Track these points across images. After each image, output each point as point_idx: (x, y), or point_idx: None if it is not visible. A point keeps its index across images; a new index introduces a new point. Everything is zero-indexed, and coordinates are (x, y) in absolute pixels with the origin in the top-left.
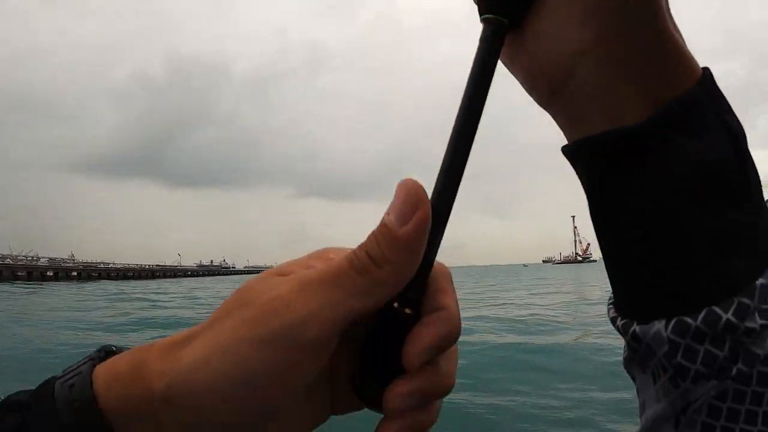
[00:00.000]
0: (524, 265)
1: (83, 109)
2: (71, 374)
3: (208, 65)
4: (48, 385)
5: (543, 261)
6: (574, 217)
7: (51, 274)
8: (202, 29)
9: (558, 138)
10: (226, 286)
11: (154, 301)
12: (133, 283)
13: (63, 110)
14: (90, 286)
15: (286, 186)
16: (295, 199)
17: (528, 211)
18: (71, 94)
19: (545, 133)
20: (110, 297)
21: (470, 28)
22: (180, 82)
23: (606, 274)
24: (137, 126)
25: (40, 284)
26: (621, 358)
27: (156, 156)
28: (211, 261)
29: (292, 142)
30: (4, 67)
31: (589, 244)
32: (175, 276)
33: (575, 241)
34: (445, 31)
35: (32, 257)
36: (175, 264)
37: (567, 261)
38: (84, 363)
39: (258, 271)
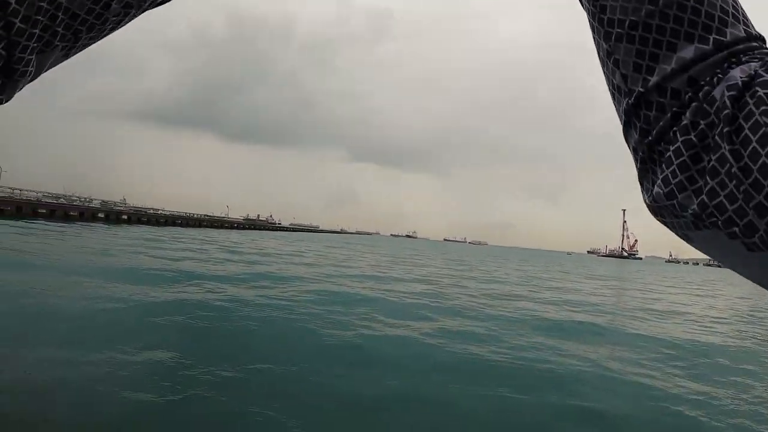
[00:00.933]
0: (568, 254)
1: (141, 61)
2: None
3: (269, 25)
4: None
5: (588, 252)
6: (624, 210)
7: (102, 216)
8: None
9: (615, 129)
10: (277, 241)
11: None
12: (183, 230)
13: (119, 61)
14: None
15: (338, 149)
16: (346, 163)
17: (577, 200)
18: (128, 47)
19: (602, 123)
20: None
21: (531, 13)
22: (240, 39)
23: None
24: (195, 80)
25: (90, 224)
26: None
27: (212, 110)
28: (258, 215)
29: (347, 106)
30: None
31: (636, 240)
32: (222, 227)
33: (623, 235)
34: (505, 12)
35: (85, 198)
36: (223, 215)
37: (612, 255)
38: None
39: (302, 230)
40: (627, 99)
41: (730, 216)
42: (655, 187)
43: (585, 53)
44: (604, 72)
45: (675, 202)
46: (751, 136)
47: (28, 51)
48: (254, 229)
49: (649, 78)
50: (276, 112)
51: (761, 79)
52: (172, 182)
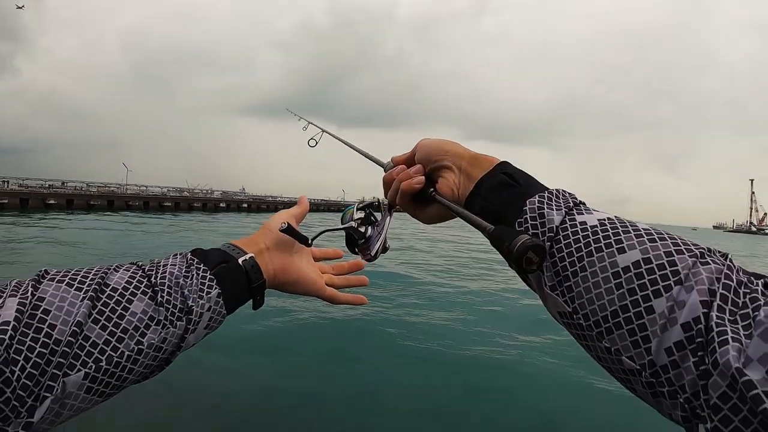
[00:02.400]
0: (693, 229)
1: (249, 59)
2: (237, 253)
3: (371, 10)
4: (219, 252)
5: (713, 227)
6: (752, 180)
7: (224, 205)
8: None
9: (737, 91)
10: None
11: None
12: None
13: (229, 61)
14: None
15: (451, 128)
16: (461, 142)
17: (701, 170)
18: (236, 46)
19: (722, 86)
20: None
21: None
22: (344, 28)
23: None
24: (303, 72)
25: (214, 215)
26: None
27: (322, 98)
28: (374, 197)
29: (457, 84)
30: (167, 23)
31: (766, 213)
32: (339, 210)
33: (751, 208)
34: None
35: (207, 190)
36: (339, 199)
37: (739, 230)
38: (229, 250)
39: None
40: (644, 373)
41: None
42: None
43: (697, 13)
44: (606, 367)
45: None
46: None
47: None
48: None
49: (650, 344)
50: (386, 95)
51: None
52: (288, 170)
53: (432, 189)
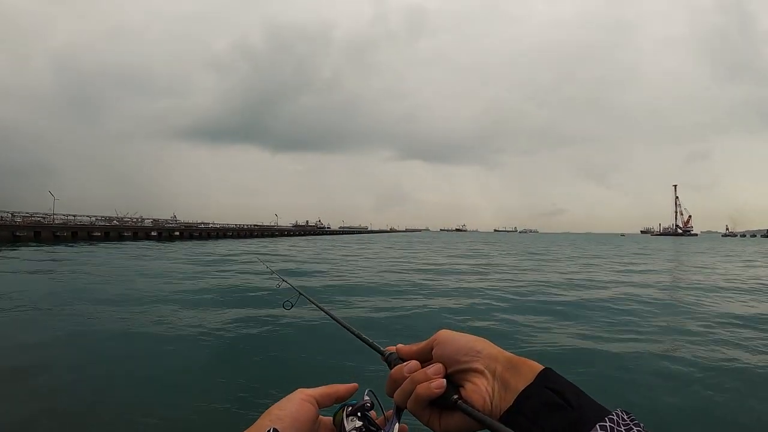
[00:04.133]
0: (621, 235)
1: (184, 81)
2: None
3: (307, 33)
4: None
5: (641, 231)
6: (675, 186)
7: (155, 234)
8: None
9: (664, 106)
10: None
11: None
12: (238, 242)
13: (163, 83)
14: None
15: (385, 149)
16: (394, 162)
17: (629, 179)
18: (170, 68)
19: (649, 97)
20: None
21: None
22: (280, 50)
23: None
24: (239, 94)
25: (146, 243)
26: None
27: (257, 122)
28: (307, 221)
29: (392, 105)
30: (99, 44)
31: (690, 216)
32: (272, 236)
33: (676, 212)
34: None
35: (137, 218)
36: (272, 224)
37: (666, 233)
38: None
39: (352, 232)
40: None
41: None
42: None
43: (620, 30)
44: None
45: None
46: None
47: None
48: (303, 235)
49: None
50: (323, 118)
51: None
52: (221, 197)
53: (456, 395)
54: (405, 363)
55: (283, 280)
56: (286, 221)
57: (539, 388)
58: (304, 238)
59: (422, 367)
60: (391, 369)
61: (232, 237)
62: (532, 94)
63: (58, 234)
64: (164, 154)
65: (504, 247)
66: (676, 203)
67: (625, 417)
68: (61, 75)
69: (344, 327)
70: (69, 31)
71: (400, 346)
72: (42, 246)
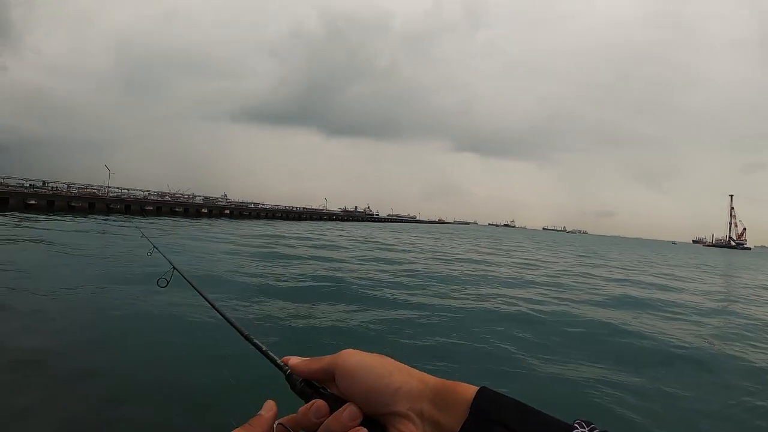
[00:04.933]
0: (673, 243)
1: (239, 64)
2: None
3: (365, 21)
4: None
5: (693, 241)
6: (732, 196)
7: (205, 211)
8: None
9: (725, 112)
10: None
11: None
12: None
13: (219, 66)
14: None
15: (438, 139)
16: (447, 153)
17: (683, 185)
18: (226, 51)
19: (710, 101)
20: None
21: None
22: (336, 37)
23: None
24: (295, 79)
25: (197, 219)
26: None
27: (312, 107)
28: (356, 207)
29: (447, 96)
30: (156, 26)
31: (745, 228)
32: (320, 219)
33: (730, 223)
34: None
35: (189, 195)
36: (321, 207)
37: (718, 244)
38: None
39: (400, 220)
40: None
41: None
42: None
43: (682, 30)
44: None
45: None
46: None
47: None
48: (352, 220)
49: None
50: (379, 106)
51: None
52: (273, 177)
53: None
54: (311, 403)
55: (155, 248)
56: (335, 206)
57: (478, 423)
58: (361, 224)
59: (330, 401)
60: (292, 388)
61: (280, 218)
62: (588, 92)
63: (111, 206)
64: (218, 134)
65: (575, 256)
66: (731, 214)
67: (586, 427)
68: (118, 55)
69: (232, 325)
70: (127, 13)
71: (293, 361)
72: (94, 217)
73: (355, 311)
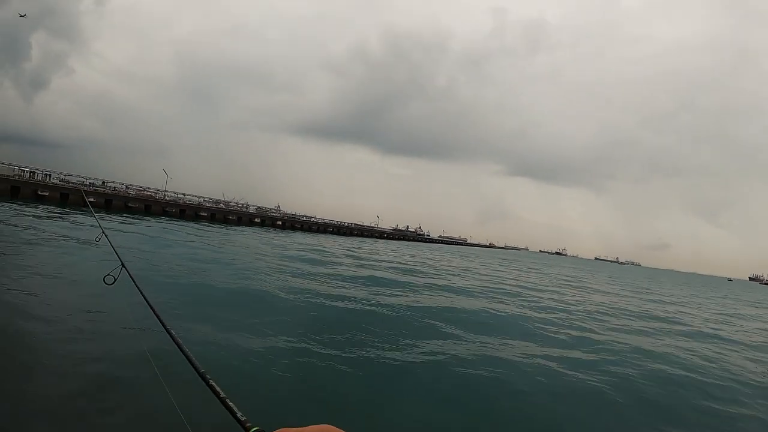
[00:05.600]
0: (729, 280)
1: (300, 79)
2: None
3: (424, 41)
4: None
5: (749, 278)
6: None
7: (258, 220)
8: (417, 5)
9: None
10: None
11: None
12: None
13: (281, 80)
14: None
15: (493, 162)
16: (501, 176)
17: (742, 219)
18: (288, 67)
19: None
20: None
21: (689, 8)
22: (396, 56)
23: None
24: (353, 96)
25: (243, 228)
26: None
27: (369, 124)
28: (407, 226)
29: (504, 119)
30: (220, 40)
31: None
32: (371, 236)
33: None
34: (663, 12)
35: (243, 204)
36: (373, 225)
37: None
38: None
39: (451, 242)
40: None
41: None
42: None
43: (746, 56)
44: None
45: None
46: None
47: None
48: (403, 239)
49: None
50: (434, 125)
51: None
52: (327, 192)
53: None
54: None
55: (103, 233)
56: (386, 224)
57: None
58: (407, 243)
59: None
60: None
61: (332, 233)
62: (647, 120)
63: (167, 209)
64: (275, 146)
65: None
66: None
67: None
68: (183, 66)
69: (186, 357)
70: (192, 26)
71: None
72: (149, 218)
73: None
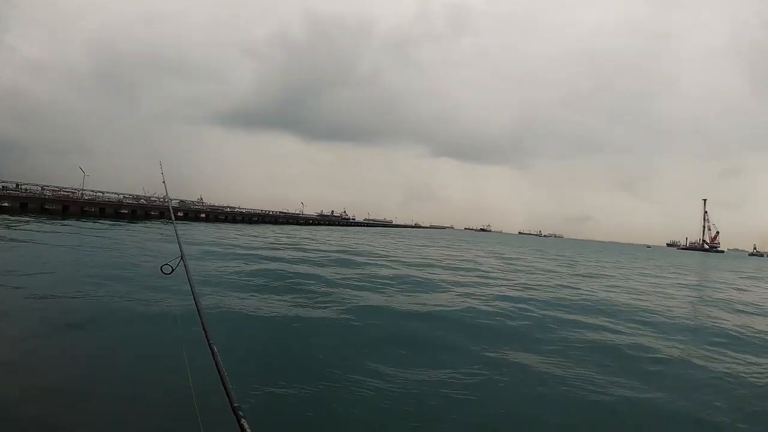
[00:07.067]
0: (647, 246)
1: (220, 67)
2: None
3: (348, 26)
4: None
5: (667, 245)
6: (705, 200)
7: (181, 214)
8: None
9: (695, 115)
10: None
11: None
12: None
13: (199, 68)
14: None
15: (418, 145)
16: (426, 158)
17: (658, 191)
18: (207, 54)
19: (687, 110)
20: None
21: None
22: (319, 42)
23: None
24: (276, 83)
25: (166, 222)
26: None
27: (292, 111)
28: (332, 211)
29: (429, 102)
30: (135, 27)
31: (718, 232)
32: (297, 223)
33: (704, 227)
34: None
35: (162, 198)
36: (297, 212)
37: (692, 248)
38: None
39: (376, 225)
40: None
41: None
42: None
43: (663, 40)
44: None
45: None
46: None
47: None
48: (329, 224)
49: None
50: (359, 111)
51: None
52: (253, 182)
53: None
54: None
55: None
56: (312, 210)
57: None
58: (333, 228)
59: None
60: None
61: (256, 222)
62: (568, 100)
63: (86, 209)
64: (199, 137)
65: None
66: (704, 218)
67: None
68: (97, 55)
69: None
70: (106, 13)
71: None
72: (67, 220)
73: None
